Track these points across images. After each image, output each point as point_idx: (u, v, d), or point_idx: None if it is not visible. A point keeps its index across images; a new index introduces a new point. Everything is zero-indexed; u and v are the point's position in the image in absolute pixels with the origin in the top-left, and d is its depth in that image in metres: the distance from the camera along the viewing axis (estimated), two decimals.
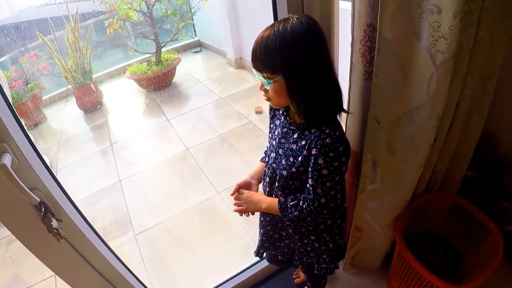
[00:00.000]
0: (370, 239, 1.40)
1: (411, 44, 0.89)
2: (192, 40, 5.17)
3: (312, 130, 0.86)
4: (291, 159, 0.91)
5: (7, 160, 0.77)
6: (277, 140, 0.97)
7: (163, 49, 4.04)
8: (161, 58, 3.97)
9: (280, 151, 0.95)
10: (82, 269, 1.07)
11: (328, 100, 0.85)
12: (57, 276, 1.04)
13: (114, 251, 1.20)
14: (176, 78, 4.22)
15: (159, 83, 3.94)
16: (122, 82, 4.24)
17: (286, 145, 0.93)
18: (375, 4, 0.90)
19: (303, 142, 0.88)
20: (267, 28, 0.81)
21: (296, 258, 1.13)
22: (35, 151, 0.90)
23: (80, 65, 3.53)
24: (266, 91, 0.88)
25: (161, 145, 3.19)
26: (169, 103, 3.83)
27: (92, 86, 3.63)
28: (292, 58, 0.78)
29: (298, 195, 0.93)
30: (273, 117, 1.03)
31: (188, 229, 2.22)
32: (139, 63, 4.02)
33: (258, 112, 3.26)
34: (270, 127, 1.05)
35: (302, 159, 0.88)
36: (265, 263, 1.70)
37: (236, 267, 1.73)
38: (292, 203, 0.92)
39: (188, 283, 1.87)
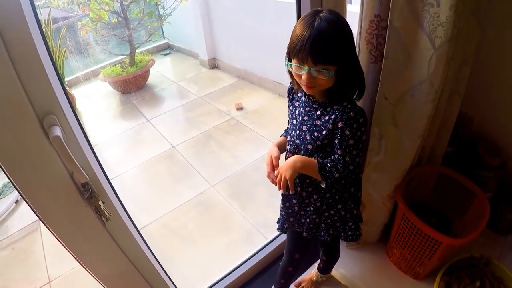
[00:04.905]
0: (371, 212, 1.56)
1: (415, 31, 1.06)
2: (160, 42, 5.15)
3: (334, 107, 0.98)
4: (316, 133, 1.02)
5: (59, 132, 0.71)
6: (299, 119, 1.07)
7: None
8: (135, 60, 3.95)
9: (304, 127, 1.05)
10: (115, 254, 1.06)
11: (359, 81, 1.00)
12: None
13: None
14: (150, 80, 4.20)
15: (135, 84, 3.92)
16: (94, 85, 4.17)
17: (310, 122, 1.03)
18: None
19: (327, 118, 0.99)
20: (308, 22, 0.86)
21: (322, 233, 1.18)
22: (80, 126, 0.84)
23: None
24: (313, 80, 0.91)
25: (144, 144, 3.18)
26: (146, 104, 3.82)
27: (68, 89, 3.54)
28: (347, 46, 0.91)
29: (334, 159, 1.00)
30: (292, 100, 1.14)
31: (186, 224, 2.25)
32: (113, 65, 3.97)
33: (239, 108, 3.35)
34: (290, 108, 1.15)
35: (327, 133, 0.99)
36: (271, 247, 1.78)
37: (242, 254, 1.80)
38: (331, 164, 0.99)
39: (196, 274, 1.89)
